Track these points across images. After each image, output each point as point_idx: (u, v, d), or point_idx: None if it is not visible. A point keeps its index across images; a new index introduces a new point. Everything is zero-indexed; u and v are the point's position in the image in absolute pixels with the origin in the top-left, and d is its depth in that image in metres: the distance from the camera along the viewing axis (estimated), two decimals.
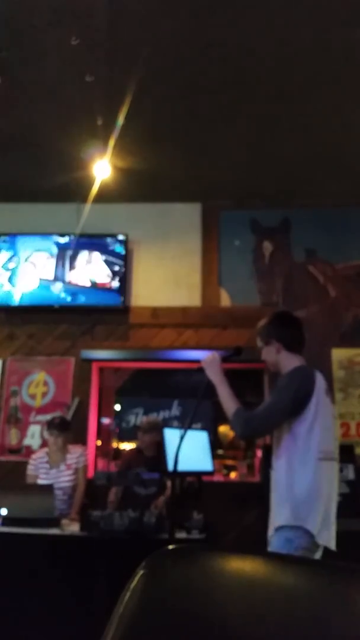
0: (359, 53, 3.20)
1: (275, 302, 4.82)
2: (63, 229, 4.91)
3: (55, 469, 3.85)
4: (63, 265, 4.89)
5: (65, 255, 4.91)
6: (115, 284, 4.82)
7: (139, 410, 6.15)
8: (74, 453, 3.91)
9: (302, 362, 2.28)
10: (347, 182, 4.62)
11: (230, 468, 5.22)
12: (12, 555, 2.99)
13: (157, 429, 3.87)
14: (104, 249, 4.89)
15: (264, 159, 4.31)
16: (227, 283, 4.92)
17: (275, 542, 2.05)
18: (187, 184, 4.73)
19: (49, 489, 3.49)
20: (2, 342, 4.89)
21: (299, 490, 2.04)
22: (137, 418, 6.05)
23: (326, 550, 2.05)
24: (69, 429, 3.94)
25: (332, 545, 2.05)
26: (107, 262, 4.86)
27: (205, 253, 4.99)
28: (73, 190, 4.66)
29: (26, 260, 4.92)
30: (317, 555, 2.02)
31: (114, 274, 4.84)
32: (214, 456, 3.78)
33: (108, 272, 4.85)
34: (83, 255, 4.91)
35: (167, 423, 5.32)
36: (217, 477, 4.72)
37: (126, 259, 4.87)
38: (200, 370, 2.33)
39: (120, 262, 4.85)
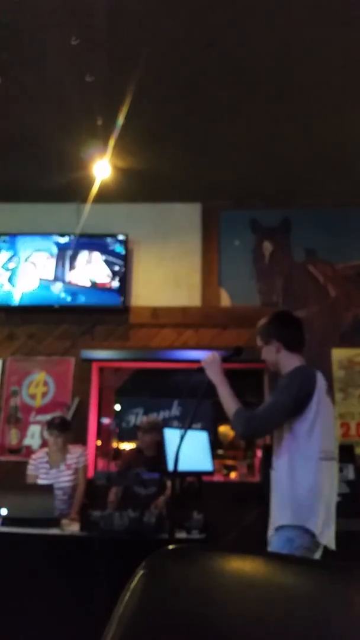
0: (359, 53, 3.20)
1: (275, 302, 4.82)
2: (63, 229, 4.91)
3: (55, 469, 3.85)
4: (63, 265, 4.89)
5: (65, 255, 4.91)
6: (115, 284, 4.82)
7: (139, 410, 6.15)
8: (74, 453, 3.91)
9: (302, 361, 2.28)
10: (347, 182, 4.62)
11: (230, 468, 5.21)
12: (12, 555, 2.99)
13: (157, 429, 3.86)
14: (104, 249, 4.89)
15: (264, 159, 4.31)
16: (227, 283, 4.92)
17: (276, 542, 2.05)
18: (187, 184, 4.73)
19: (49, 489, 3.49)
20: (2, 342, 4.89)
21: (301, 490, 2.04)
22: (137, 418, 6.05)
23: (326, 550, 2.05)
24: (69, 429, 3.93)
25: (332, 545, 2.05)
26: (107, 262, 4.86)
27: (205, 253, 4.99)
28: (73, 190, 4.66)
29: (26, 260, 4.92)
30: (317, 554, 2.02)
31: (114, 274, 4.84)
32: (214, 456, 3.78)
33: (108, 272, 4.85)
34: (83, 255, 4.91)
35: (167, 423, 5.32)
36: (217, 477, 4.72)
37: (126, 259, 4.87)
38: (201, 370, 2.33)
39: (120, 262, 4.85)
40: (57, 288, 4.85)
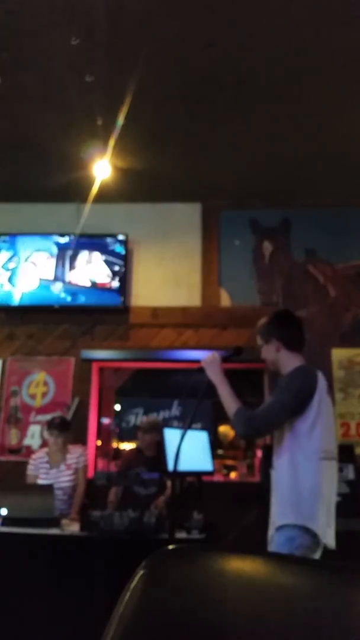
0: (359, 53, 3.20)
1: (275, 302, 4.82)
2: (63, 229, 4.91)
3: (55, 469, 3.85)
4: (63, 265, 4.89)
5: (65, 255, 4.91)
6: (115, 284, 4.82)
7: (139, 410, 6.15)
8: (74, 453, 3.91)
9: (302, 361, 2.28)
10: (347, 182, 4.62)
11: (230, 468, 5.22)
12: (12, 555, 2.99)
13: (157, 429, 3.86)
14: (104, 249, 4.89)
15: (264, 159, 4.31)
16: (227, 283, 4.92)
17: (276, 541, 2.05)
18: (187, 184, 4.73)
19: (49, 489, 3.49)
20: (2, 342, 4.89)
21: (302, 489, 2.04)
22: (137, 418, 6.06)
23: (326, 549, 2.05)
24: (69, 429, 3.93)
25: (332, 544, 2.05)
26: (107, 262, 4.86)
27: (205, 253, 4.99)
28: (73, 190, 4.66)
29: (26, 260, 4.92)
30: (318, 554, 2.02)
31: (114, 274, 4.84)
32: (214, 456, 3.78)
33: (108, 272, 4.85)
34: (83, 255, 4.91)
35: (167, 423, 5.33)
36: (217, 477, 4.72)
37: (126, 259, 4.87)
38: (200, 370, 2.33)
39: (120, 262, 4.85)
40: (57, 288, 4.85)
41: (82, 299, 4.83)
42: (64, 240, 4.93)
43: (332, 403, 2.31)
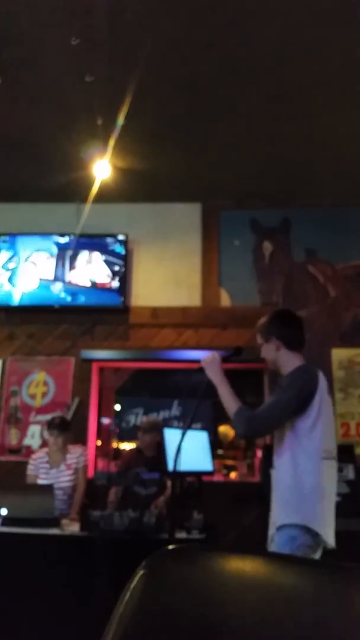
0: (359, 53, 3.20)
1: (275, 302, 4.82)
2: (63, 229, 4.91)
3: (55, 469, 3.85)
4: (63, 265, 4.89)
5: (65, 255, 4.91)
6: (115, 284, 4.82)
7: (139, 410, 6.16)
8: (74, 453, 3.91)
9: (302, 360, 2.28)
10: (347, 182, 4.62)
11: (230, 468, 5.22)
12: (12, 555, 2.99)
13: (157, 429, 3.86)
14: (104, 249, 4.89)
15: (264, 159, 4.31)
16: (227, 283, 4.92)
17: (277, 541, 2.04)
18: (187, 184, 4.73)
19: (49, 489, 3.49)
20: (2, 342, 4.89)
21: (304, 488, 2.04)
22: (137, 418, 6.06)
23: (326, 549, 2.05)
24: (69, 429, 3.93)
25: (333, 544, 2.05)
26: (107, 262, 4.86)
27: (205, 253, 4.99)
28: (73, 190, 4.66)
29: (26, 260, 4.92)
30: (318, 553, 2.02)
31: (114, 274, 4.84)
32: (214, 456, 3.78)
33: (108, 272, 4.85)
34: (83, 255, 4.91)
35: (167, 423, 5.33)
36: (217, 477, 4.72)
37: (126, 259, 4.87)
38: (200, 370, 2.33)
39: (120, 262, 4.85)
40: (57, 288, 4.85)
41: (82, 299, 4.83)
42: (64, 240, 4.93)
43: (332, 403, 2.30)
